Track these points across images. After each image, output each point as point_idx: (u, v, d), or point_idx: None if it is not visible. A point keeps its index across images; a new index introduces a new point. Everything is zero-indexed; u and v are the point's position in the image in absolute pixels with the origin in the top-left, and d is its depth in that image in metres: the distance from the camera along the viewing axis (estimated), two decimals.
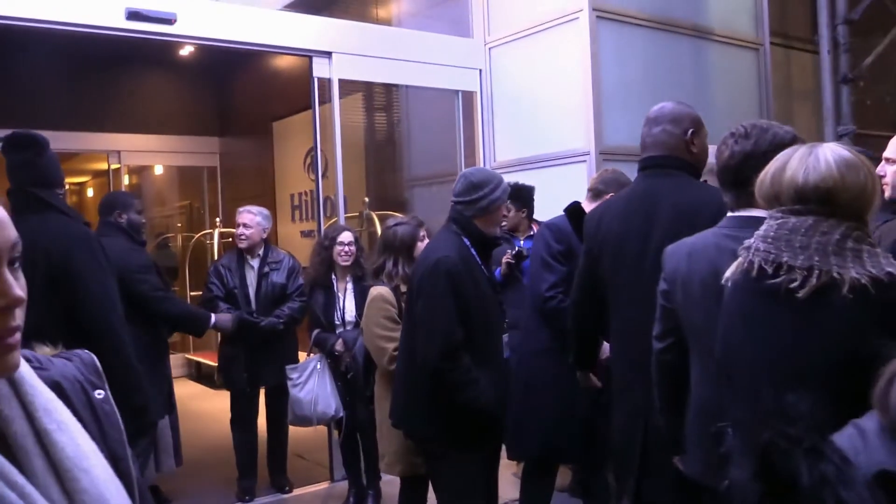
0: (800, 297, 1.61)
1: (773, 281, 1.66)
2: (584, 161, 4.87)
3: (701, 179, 2.77)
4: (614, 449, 2.89)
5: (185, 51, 7.91)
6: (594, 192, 3.67)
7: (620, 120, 4.99)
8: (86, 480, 0.81)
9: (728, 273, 1.82)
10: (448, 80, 5.48)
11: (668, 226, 2.46)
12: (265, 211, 4.76)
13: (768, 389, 1.68)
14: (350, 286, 4.37)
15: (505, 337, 3.08)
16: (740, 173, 2.04)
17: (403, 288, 3.47)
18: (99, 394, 0.93)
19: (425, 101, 6.37)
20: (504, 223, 4.21)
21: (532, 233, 4.47)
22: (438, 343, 2.81)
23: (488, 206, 2.97)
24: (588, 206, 3.63)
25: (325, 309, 4.33)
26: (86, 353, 0.97)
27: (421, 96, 6.36)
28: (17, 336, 0.79)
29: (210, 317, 4.41)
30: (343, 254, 4.30)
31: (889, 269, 1.59)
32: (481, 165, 5.50)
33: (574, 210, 3.62)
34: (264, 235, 4.71)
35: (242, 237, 4.63)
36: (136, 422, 3.10)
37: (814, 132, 6.67)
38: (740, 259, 1.79)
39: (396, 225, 3.75)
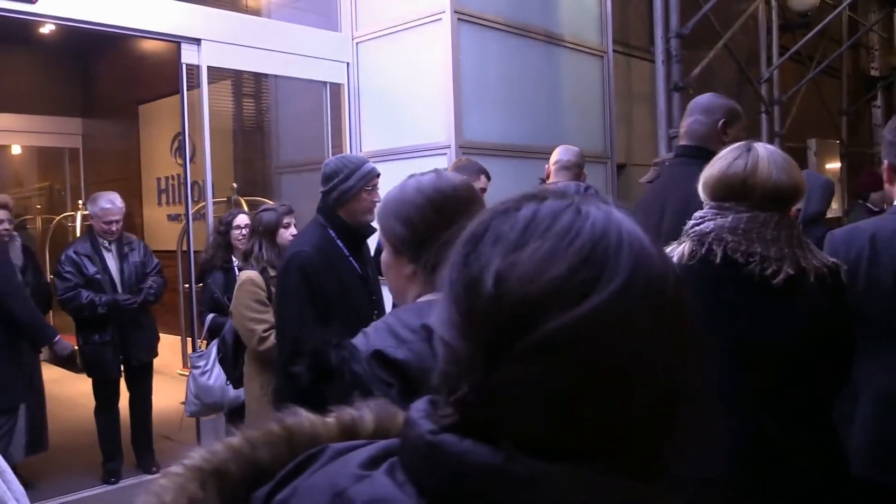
0: (775, 284, 1.70)
1: (747, 269, 1.73)
2: (445, 154, 4.95)
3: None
4: None
5: (47, 29, 7.40)
6: None
7: (479, 116, 5.11)
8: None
9: (675, 258, 1.80)
10: (316, 71, 5.42)
11: (672, 213, 2.37)
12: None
13: (730, 369, 1.69)
14: None
15: None
16: None
17: (272, 272, 3.44)
18: None
19: (294, 90, 6.27)
20: None
21: None
22: (288, 345, 2.70)
23: (340, 196, 2.80)
24: None
25: (224, 290, 4.19)
26: None
27: (290, 86, 6.25)
28: None
29: (56, 334, 4.12)
30: (240, 237, 4.22)
31: (833, 259, 1.78)
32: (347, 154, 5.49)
33: None
34: None
35: (116, 223, 4.51)
36: None
37: (650, 133, 7.06)
38: (688, 246, 1.80)
39: (263, 210, 3.73)
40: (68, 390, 6.57)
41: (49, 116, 8.60)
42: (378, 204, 1.51)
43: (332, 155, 5.53)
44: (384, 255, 1.52)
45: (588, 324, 0.55)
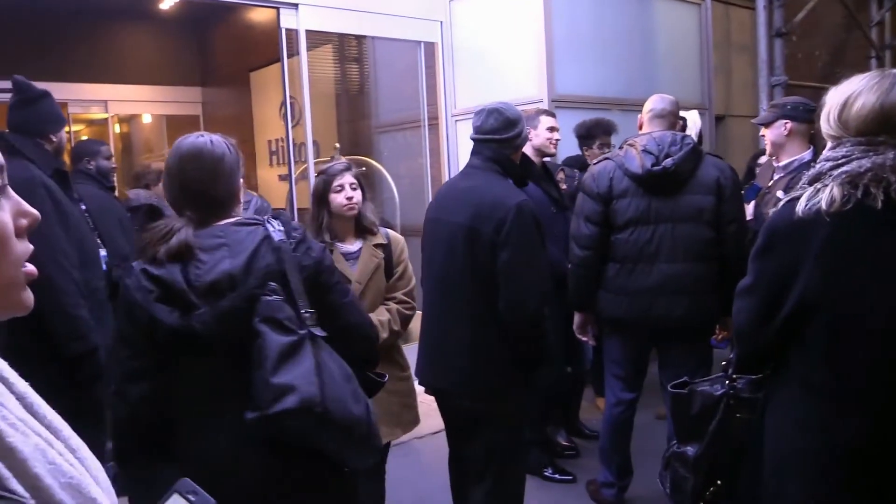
0: None
1: None
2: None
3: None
4: None
5: (167, 4, 7.51)
6: None
7: (571, 70, 4.82)
8: (75, 440, 0.73)
9: (823, 205, 1.52)
10: (411, 31, 5.23)
11: None
12: None
13: None
14: None
15: None
16: None
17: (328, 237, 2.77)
18: None
19: (391, 51, 6.11)
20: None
21: None
22: (540, 293, 2.39)
23: (521, 143, 2.60)
24: None
25: None
26: None
27: (386, 47, 6.10)
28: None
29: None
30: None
31: None
32: (443, 112, 5.30)
33: None
34: None
35: None
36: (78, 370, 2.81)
37: (750, 83, 6.53)
38: (837, 191, 1.52)
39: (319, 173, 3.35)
40: None
41: (172, 87, 8.81)
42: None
43: (428, 113, 5.37)
44: None
45: None
